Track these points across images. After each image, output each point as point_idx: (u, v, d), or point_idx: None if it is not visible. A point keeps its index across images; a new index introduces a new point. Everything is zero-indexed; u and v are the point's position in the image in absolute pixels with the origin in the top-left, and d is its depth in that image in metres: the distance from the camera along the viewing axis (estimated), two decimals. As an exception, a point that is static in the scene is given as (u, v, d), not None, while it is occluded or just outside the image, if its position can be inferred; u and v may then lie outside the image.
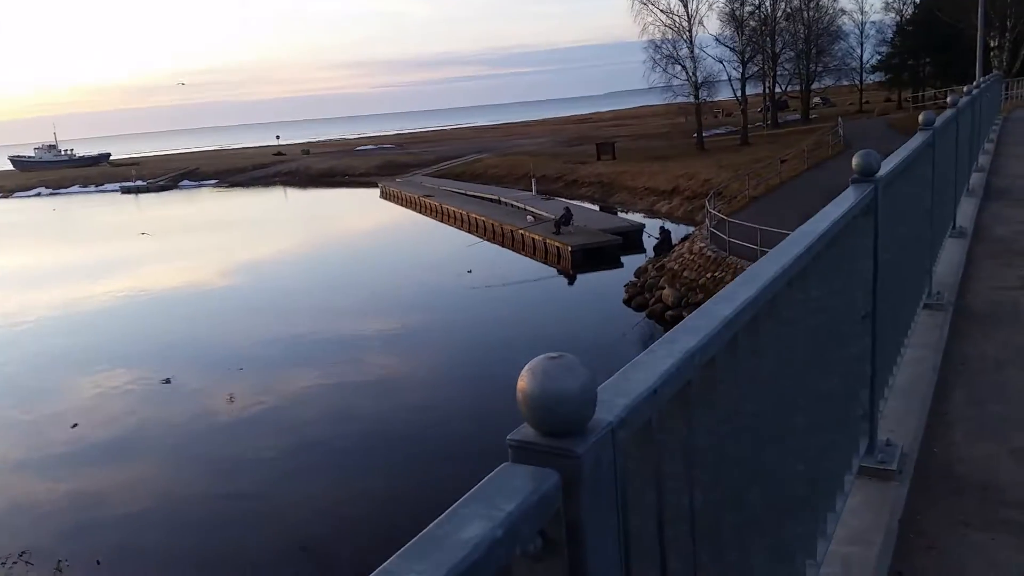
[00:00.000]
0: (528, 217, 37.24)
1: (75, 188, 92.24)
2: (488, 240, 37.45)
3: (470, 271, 30.40)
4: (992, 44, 48.37)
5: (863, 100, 70.34)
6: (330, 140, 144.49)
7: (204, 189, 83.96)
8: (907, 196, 4.31)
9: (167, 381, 20.75)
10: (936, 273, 5.88)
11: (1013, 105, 31.26)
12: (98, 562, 11.94)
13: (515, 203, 43.73)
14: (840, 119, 49.30)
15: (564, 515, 1.01)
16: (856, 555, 2.76)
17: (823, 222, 2.43)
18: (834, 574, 2.63)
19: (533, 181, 49.37)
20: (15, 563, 11.87)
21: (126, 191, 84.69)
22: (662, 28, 55.57)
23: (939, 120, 5.63)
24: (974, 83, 13.03)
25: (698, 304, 14.08)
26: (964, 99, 8.49)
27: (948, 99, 7.65)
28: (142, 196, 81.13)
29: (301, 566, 11.76)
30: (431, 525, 0.89)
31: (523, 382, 1.03)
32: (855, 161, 3.15)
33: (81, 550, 12.35)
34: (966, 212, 8.56)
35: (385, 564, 0.83)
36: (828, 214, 2.56)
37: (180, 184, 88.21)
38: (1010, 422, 3.77)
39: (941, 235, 6.63)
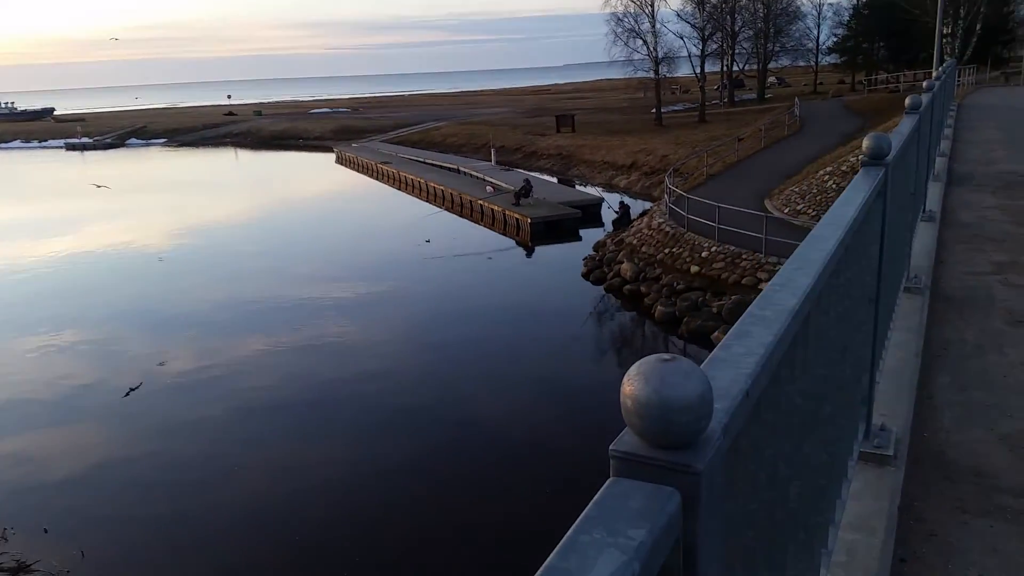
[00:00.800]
0: (487, 188, 36.97)
1: (16, 143, 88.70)
2: (447, 209, 37.11)
3: (428, 241, 30.10)
4: (945, 31, 49.24)
5: (817, 81, 71.20)
6: (283, 102, 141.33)
7: (153, 148, 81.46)
8: (899, 180, 4.29)
9: (112, 344, 20.18)
10: (911, 257, 5.92)
11: (965, 92, 31.93)
12: (45, 530, 11.58)
13: (474, 173, 43.36)
14: (797, 99, 49.90)
15: (682, 538, 0.90)
16: (860, 542, 2.73)
17: (850, 207, 2.35)
18: (841, 563, 2.60)
19: (493, 151, 48.97)
20: (-43, 533, 11.46)
21: (71, 148, 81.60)
22: (624, 1, 55.35)
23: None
24: (940, 69, 13.19)
25: (656, 279, 14.25)
26: (936, 84, 8.55)
27: (924, 83, 7.69)
28: (88, 153, 78.30)
29: (253, 526, 11.59)
30: (552, 556, 0.77)
31: (632, 387, 0.91)
32: (866, 144, 3.08)
33: (26, 517, 11.97)
34: (933, 197, 8.67)
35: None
36: (851, 199, 2.49)
37: (128, 142, 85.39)
38: (996, 408, 3.80)
39: (915, 219, 6.68)
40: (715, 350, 1.27)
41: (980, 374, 4.21)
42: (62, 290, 26.56)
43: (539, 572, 0.75)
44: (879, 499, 2.97)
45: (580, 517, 0.83)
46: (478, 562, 10.57)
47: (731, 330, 1.36)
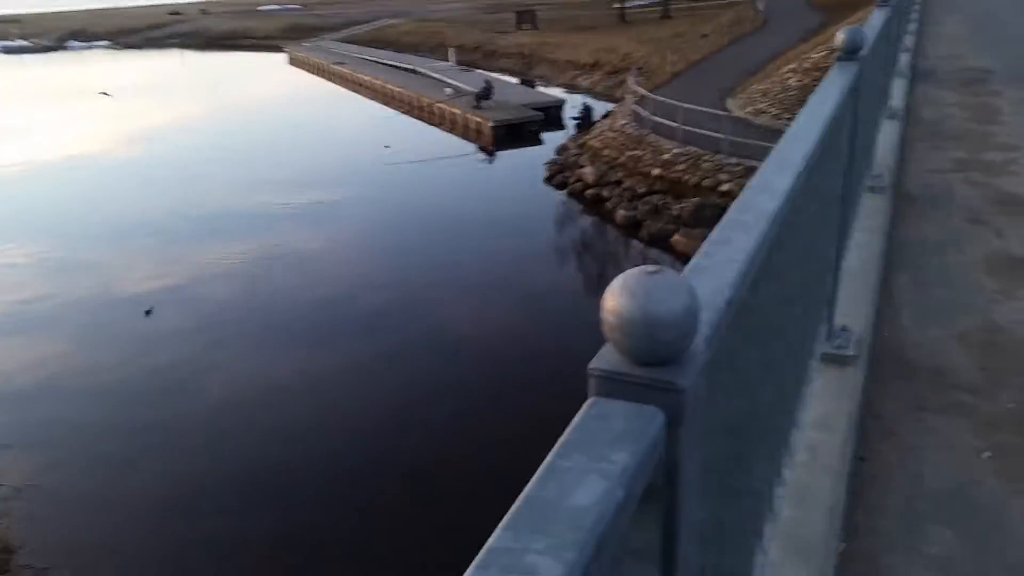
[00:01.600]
0: (446, 89, 36.01)
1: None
2: (405, 113, 36.18)
3: (387, 146, 29.43)
4: (912, -79, 48.11)
5: (782, -26, 69.59)
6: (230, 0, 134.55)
7: (95, 50, 77.56)
8: (870, 76, 4.21)
9: (66, 254, 19.68)
10: (875, 155, 5.90)
11: (929, -15, 31.46)
12: (8, 445, 11.51)
13: (432, 74, 42.13)
14: (760, -6, 48.86)
15: (664, 458, 0.86)
16: (822, 441, 2.78)
17: (827, 104, 2.28)
18: (804, 462, 2.64)
19: (451, 51, 47.50)
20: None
21: (7, 51, 77.29)
22: None
23: (893, -3, 5.49)
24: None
25: (618, 183, 14.11)
26: (904, -24, 8.36)
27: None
28: (26, 56, 74.27)
29: (215, 436, 11.67)
30: (531, 484, 0.73)
31: (616, 301, 0.85)
32: (840, 38, 2.98)
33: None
34: (897, 94, 8.60)
35: (492, 540, 0.66)
36: (828, 95, 2.41)
37: (68, 45, 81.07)
38: (954, 306, 3.86)
39: (880, 116, 6.64)
40: (695, 258, 1.22)
41: (939, 272, 4.26)
42: (12, 201, 25.64)
43: (518, 501, 0.71)
44: (840, 399, 3.01)
45: (560, 441, 0.79)
46: (442, 483, 10.78)
47: (711, 235, 1.30)
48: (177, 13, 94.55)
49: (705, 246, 1.26)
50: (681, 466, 0.89)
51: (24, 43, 79.11)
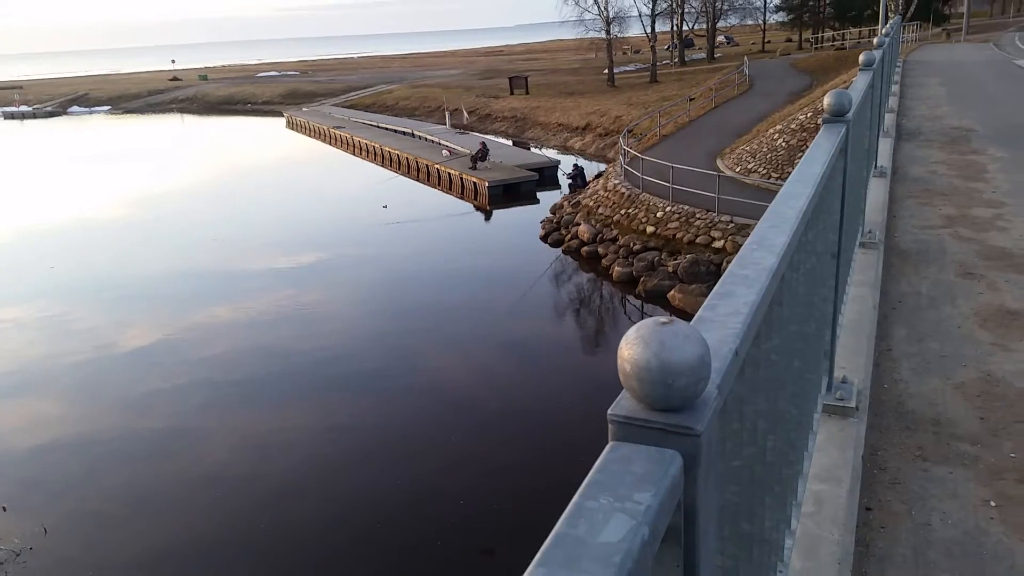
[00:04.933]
0: (443, 152, 36.59)
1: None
2: (403, 174, 36.68)
3: (385, 206, 29.77)
4: (891, -12, 49.75)
5: (765, 40, 71.59)
6: (229, 65, 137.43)
7: (96, 116, 78.74)
8: (857, 136, 4.34)
9: (68, 317, 19.68)
10: (865, 212, 6.02)
11: (909, 49, 32.41)
12: (4, 508, 11.34)
13: (429, 137, 42.86)
14: (746, 58, 50.13)
15: (683, 499, 0.90)
16: (827, 492, 2.80)
17: (817, 164, 2.37)
18: (811, 513, 2.66)
19: (448, 115, 48.39)
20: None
21: (9, 117, 78.43)
22: (575, -42, 54.68)
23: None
24: (887, 26, 13.34)
25: (614, 240, 14.29)
26: (887, 40, 8.65)
27: (875, 40, 7.77)
28: (28, 122, 75.37)
29: (216, 497, 11.51)
30: (561, 523, 0.77)
31: (631, 350, 0.91)
32: (827, 101, 3.10)
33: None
34: (884, 152, 8.81)
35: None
36: (817, 157, 2.51)
37: (70, 110, 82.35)
38: (951, 358, 3.91)
39: (868, 175, 6.79)
40: (700, 311, 1.28)
41: (935, 325, 4.32)
42: (14, 263, 25.74)
43: (549, 539, 0.75)
44: (843, 450, 3.04)
45: (585, 482, 0.83)
46: (440, 527, 10.67)
47: (714, 290, 1.36)
48: (177, 79, 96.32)
49: (709, 299, 1.32)
50: (699, 508, 0.93)
51: (26, 108, 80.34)
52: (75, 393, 15.61)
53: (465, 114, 48.03)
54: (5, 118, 78.44)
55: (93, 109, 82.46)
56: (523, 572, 0.71)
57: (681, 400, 0.91)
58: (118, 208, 33.56)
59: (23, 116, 78.33)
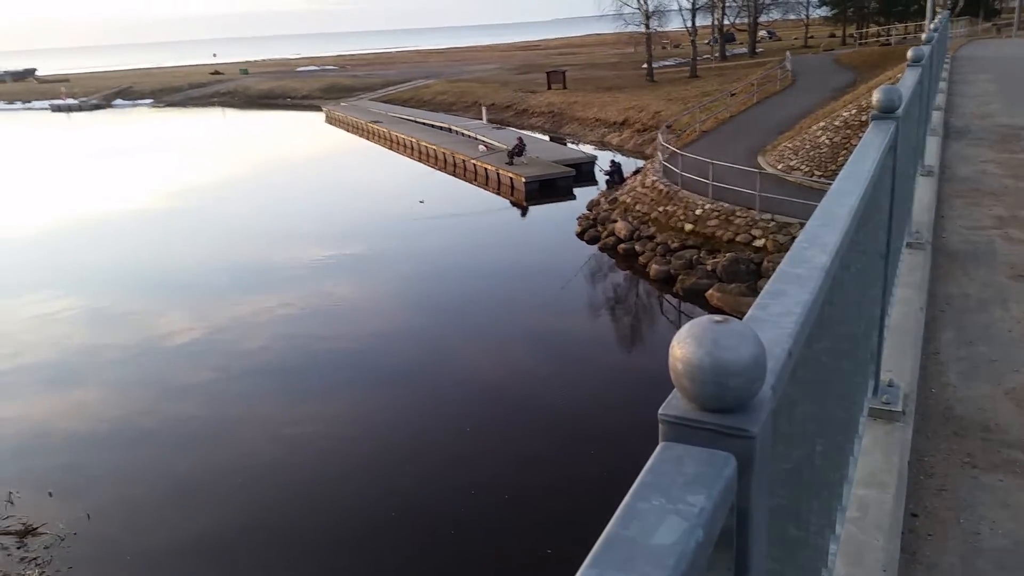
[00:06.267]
0: (480, 147, 36.64)
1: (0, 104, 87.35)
2: (439, 169, 36.81)
3: (422, 201, 29.91)
4: (939, -18, 48.63)
5: (808, 35, 70.44)
6: (269, 60, 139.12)
7: (139, 108, 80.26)
8: (906, 134, 4.24)
9: (111, 306, 20.11)
10: (912, 212, 5.89)
11: (958, 45, 31.64)
12: (50, 493, 11.63)
13: (466, 132, 42.94)
14: (788, 54, 49.39)
15: (736, 503, 0.88)
16: (872, 498, 2.75)
17: (867, 162, 2.31)
18: (855, 518, 2.61)
19: (484, 110, 48.45)
20: (-38, 497, 11.50)
21: (57, 109, 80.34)
22: (614, -47, 54.36)
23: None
24: (935, 21, 13.02)
25: (651, 238, 14.17)
26: (935, 36, 8.45)
27: (923, 36, 7.59)
28: (74, 115, 77.11)
29: (254, 485, 11.68)
30: (612, 524, 0.75)
31: (683, 349, 0.88)
32: (877, 97, 3.03)
33: (32, 480, 12.02)
34: (931, 151, 8.61)
35: (579, 577, 0.69)
36: (867, 154, 2.45)
37: (114, 103, 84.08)
38: (1001, 362, 3.80)
39: (915, 174, 6.64)
40: (752, 309, 1.25)
41: (985, 329, 4.21)
42: (61, 254, 26.38)
43: (600, 540, 0.73)
44: (889, 455, 2.98)
45: (636, 483, 0.81)
46: (475, 522, 10.69)
47: (765, 288, 1.33)
48: (218, 72, 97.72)
49: (760, 298, 1.28)
50: (752, 512, 0.91)
51: (72, 101, 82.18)
52: (117, 382, 15.94)
53: (484, 111, 48.05)
54: (53, 111, 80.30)
55: (136, 102, 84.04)
56: (574, 573, 0.70)
57: (735, 401, 0.88)
58: (159, 200, 34.17)
59: (69, 109, 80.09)
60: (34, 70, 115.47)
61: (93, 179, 41.29)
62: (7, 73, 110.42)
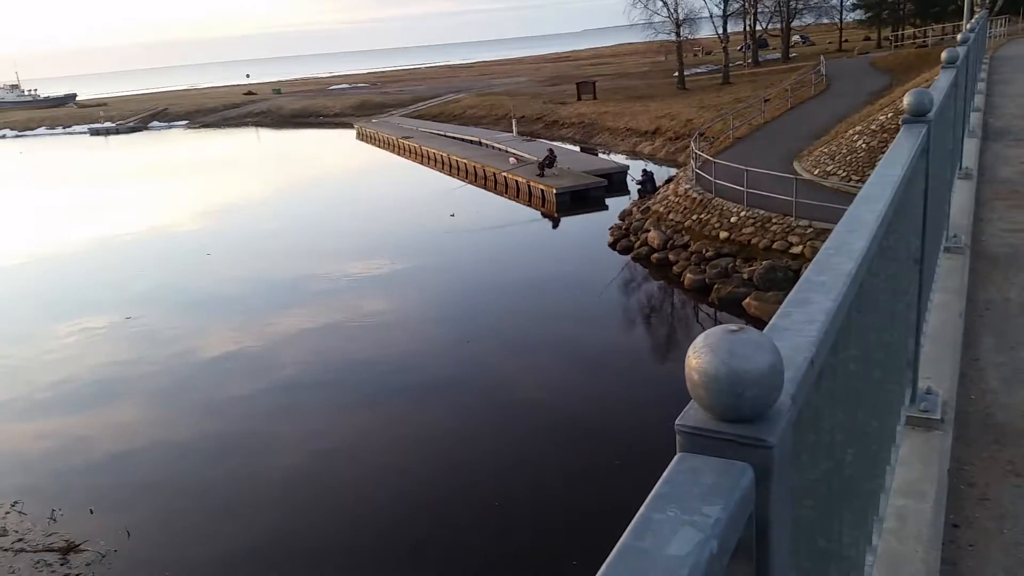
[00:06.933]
0: (510, 159, 36.75)
1: (42, 130, 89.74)
2: (471, 183, 36.98)
3: (453, 215, 30.06)
4: (976, -19, 47.76)
5: (842, 39, 69.61)
6: (302, 79, 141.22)
7: (175, 130, 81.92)
8: (939, 137, 4.17)
9: (150, 324, 20.49)
10: (950, 216, 5.78)
11: (997, 44, 31.03)
12: (91, 510, 11.84)
13: (496, 145, 43.12)
14: (822, 58, 48.85)
15: (755, 513, 0.87)
16: (911, 508, 2.69)
17: (896, 166, 2.28)
18: (893, 529, 2.55)
19: (514, 122, 48.62)
20: (7, 513, 11.75)
21: (95, 133, 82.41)
22: (643, -38, 54.32)
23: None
24: (972, 21, 12.80)
25: (685, 247, 14.08)
26: (971, 36, 8.30)
27: (959, 36, 7.46)
28: (112, 138, 79.03)
29: (294, 501, 11.78)
30: (626, 535, 0.75)
31: (699, 359, 0.88)
32: (907, 101, 2.98)
33: (73, 497, 12.25)
34: (969, 152, 8.44)
35: (592, 588, 0.69)
36: (897, 158, 2.41)
37: (150, 125, 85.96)
38: (1044, 368, 3.71)
39: (952, 176, 6.52)
40: (774, 318, 1.24)
41: (1026, 333, 4.11)
42: (102, 273, 26.96)
43: (614, 551, 0.73)
44: (928, 464, 2.92)
45: (651, 494, 0.81)
46: (507, 532, 10.67)
47: (789, 296, 1.32)
48: (252, 93, 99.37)
49: (784, 306, 1.27)
50: (771, 523, 0.90)
51: (110, 124, 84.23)
52: (155, 398, 16.22)
53: (514, 124, 48.23)
54: (92, 134, 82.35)
55: (172, 124, 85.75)
56: (589, 585, 0.70)
57: (752, 411, 0.88)
58: (195, 218, 34.79)
59: (107, 132, 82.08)
60: (74, 95, 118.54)
61: (129, 199, 42.15)
62: (49, 99, 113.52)
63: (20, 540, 11.06)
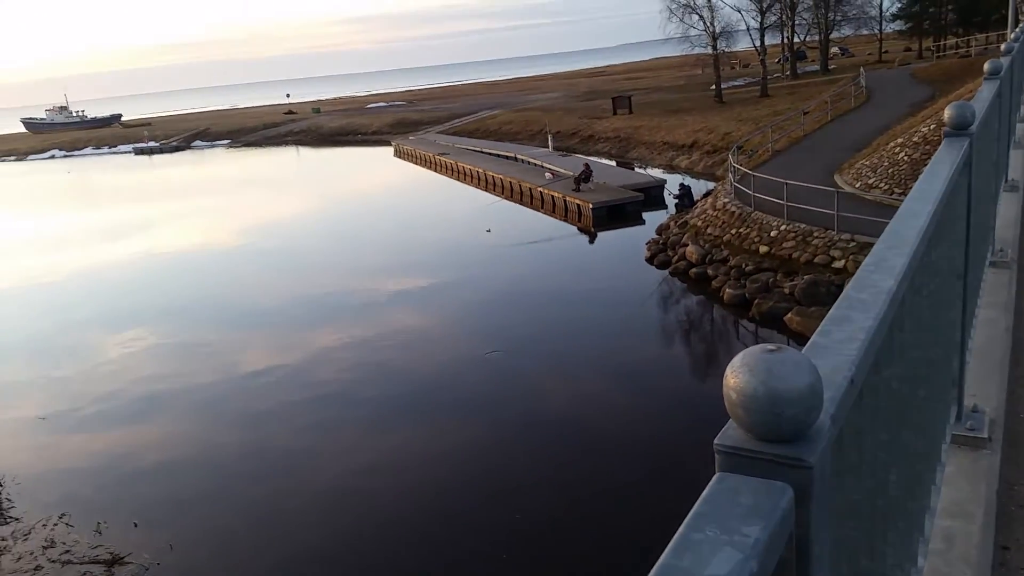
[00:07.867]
0: (546, 174, 36.83)
1: (88, 150, 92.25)
2: (506, 198, 37.13)
3: (489, 230, 30.18)
4: (1021, -11, 46.86)
5: (882, 50, 68.71)
6: (340, 98, 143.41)
7: (217, 149, 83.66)
8: (983, 149, 4.10)
9: (193, 339, 20.89)
10: (996, 229, 5.66)
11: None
12: (135, 524, 12.05)
13: (532, 160, 43.27)
14: (862, 69, 48.25)
15: (794, 533, 0.87)
16: (958, 529, 2.63)
17: (937, 180, 2.25)
18: (939, 551, 2.50)
19: (550, 137, 48.75)
20: (55, 525, 12.02)
21: (139, 152, 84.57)
22: (679, -24, 54.28)
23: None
24: (1017, 30, 12.56)
25: (724, 261, 13.95)
26: (1016, 46, 8.14)
27: (1002, 46, 7.33)
28: (156, 157, 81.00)
29: (334, 509, 11.87)
30: (666, 554, 0.76)
31: (737, 379, 0.88)
32: (948, 114, 2.95)
33: (118, 510, 12.48)
34: (1016, 165, 8.27)
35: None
36: (938, 172, 2.38)
37: (192, 144, 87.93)
38: (1096, 385, 3.60)
39: (998, 189, 6.39)
40: (813, 336, 1.23)
41: (1077, 349, 4.00)
42: (143, 289, 27.54)
43: (654, 570, 0.74)
44: (975, 484, 2.85)
45: (691, 514, 0.81)
46: (543, 548, 10.61)
47: (828, 314, 1.31)
48: (292, 112, 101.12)
49: (823, 324, 1.27)
50: (812, 544, 0.90)
51: (154, 144, 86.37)
52: (198, 411, 16.48)
53: (550, 139, 48.44)
54: (136, 153, 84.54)
55: (214, 143, 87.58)
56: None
57: (791, 430, 0.88)
58: (236, 235, 35.43)
59: (151, 151, 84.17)
60: (119, 116, 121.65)
61: (174, 216, 43.08)
62: (95, 120, 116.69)
63: (67, 552, 11.29)
